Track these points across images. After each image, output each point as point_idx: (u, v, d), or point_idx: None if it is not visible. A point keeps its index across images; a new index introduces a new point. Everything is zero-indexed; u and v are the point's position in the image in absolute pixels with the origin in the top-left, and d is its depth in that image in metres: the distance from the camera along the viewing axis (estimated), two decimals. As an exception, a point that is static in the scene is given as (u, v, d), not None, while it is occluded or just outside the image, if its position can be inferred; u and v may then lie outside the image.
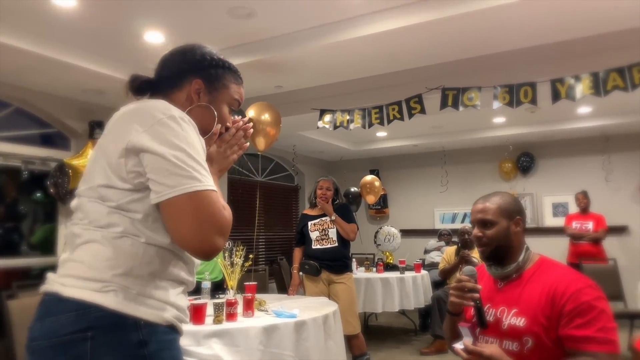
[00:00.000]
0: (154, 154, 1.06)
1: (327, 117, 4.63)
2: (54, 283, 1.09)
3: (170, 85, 1.26)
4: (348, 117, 4.53)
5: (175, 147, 1.06)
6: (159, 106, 1.12)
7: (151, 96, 1.26)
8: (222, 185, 6.58)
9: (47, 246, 4.87)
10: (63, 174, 4.53)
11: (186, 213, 1.05)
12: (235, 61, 4.58)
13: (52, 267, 1.18)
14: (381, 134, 7.17)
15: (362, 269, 5.67)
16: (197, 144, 1.12)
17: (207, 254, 1.09)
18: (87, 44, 3.88)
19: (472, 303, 1.62)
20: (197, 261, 1.23)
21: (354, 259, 5.18)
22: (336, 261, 3.86)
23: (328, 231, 3.89)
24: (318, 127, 4.70)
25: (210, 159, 1.26)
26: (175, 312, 1.14)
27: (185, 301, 1.19)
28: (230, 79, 1.32)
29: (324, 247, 3.88)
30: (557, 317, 1.48)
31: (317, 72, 4.40)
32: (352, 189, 7.08)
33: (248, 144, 1.37)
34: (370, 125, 4.44)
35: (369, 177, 6.92)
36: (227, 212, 1.12)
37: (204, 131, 1.23)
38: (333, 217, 3.88)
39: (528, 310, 1.54)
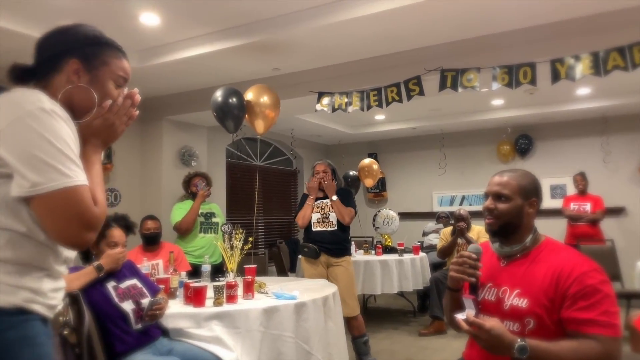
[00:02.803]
0: (19, 146, 1.04)
1: (325, 100, 4.60)
2: None
3: (49, 70, 1.23)
4: (346, 100, 4.50)
5: (43, 140, 1.05)
6: (30, 97, 1.10)
7: (35, 84, 1.23)
8: (220, 169, 6.58)
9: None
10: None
11: (54, 210, 1.05)
12: (231, 43, 4.49)
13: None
14: (379, 117, 7.14)
15: (361, 251, 5.69)
16: (67, 137, 1.09)
17: (76, 247, 1.15)
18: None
19: (472, 279, 1.61)
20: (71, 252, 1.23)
21: (353, 242, 5.20)
22: (335, 244, 3.86)
23: (329, 214, 3.89)
24: (316, 110, 4.67)
25: (96, 132, 1.25)
26: (29, 295, 1.10)
27: (47, 284, 1.15)
28: (110, 55, 1.29)
29: (324, 229, 3.88)
30: (561, 299, 1.47)
31: (314, 54, 4.35)
32: (351, 173, 7.07)
33: (137, 112, 1.34)
34: (369, 107, 4.41)
35: (367, 161, 6.91)
36: (99, 206, 1.12)
37: (87, 111, 1.23)
38: (334, 198, 3.87)
39: (531, 292, 1.53)
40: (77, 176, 1.08)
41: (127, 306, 2.35)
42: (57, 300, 1.19)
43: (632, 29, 3.45)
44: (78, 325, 2.13)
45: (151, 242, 3.77)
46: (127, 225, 2.65)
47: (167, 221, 4.46)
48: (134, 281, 2.51)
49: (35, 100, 1.09)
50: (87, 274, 2.29)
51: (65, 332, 2.22)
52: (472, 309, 1.55)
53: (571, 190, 6.62)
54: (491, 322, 1.43)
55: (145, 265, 3.35)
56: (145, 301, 2.41)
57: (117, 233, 2.52)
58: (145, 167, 5.72)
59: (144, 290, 2.50)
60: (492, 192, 1.68)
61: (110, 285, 2.38)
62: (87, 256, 2.51)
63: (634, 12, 3.46)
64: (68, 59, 1.22)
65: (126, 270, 2.54)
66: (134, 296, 2.41)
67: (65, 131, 1.09)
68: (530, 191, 1.66)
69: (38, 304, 1.12)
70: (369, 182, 6.91)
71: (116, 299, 2.34)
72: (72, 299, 2.16)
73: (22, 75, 1.23)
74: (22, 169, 1.04)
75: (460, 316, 1.50)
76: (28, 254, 1.11)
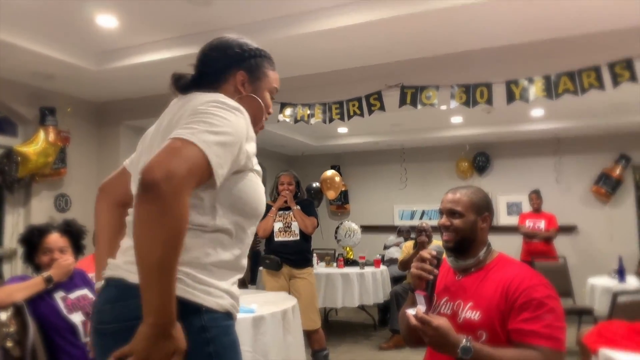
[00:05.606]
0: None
1: (288, 111, 4.59)
2: (118, 269, 1.14)
3: (215, 80, 1.31)
4: (309, 112, 4.52)
5: (214, 125, 1.08)
6: (216, 97, 1.16)
7: (201, 91, 1.27)
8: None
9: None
10: (11, 161, 4.31)
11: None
12: (192, 50, 4.44)
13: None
14: (342, 129, 7.19)
15: (323, 264, 5.68)
16: (241, 131, 1.13)
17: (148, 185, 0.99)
18: (36, 25, 3.70)
19: (430, 277, 1.61)
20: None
21: (315, 254, 5.18)
22: (297, 255, 3.84)
23: (291, 224, 3.86)
24: (278, 121, 4.66)
25: None
26: (231, 300, 1.17)
27: (238, 290, 1.23)
28: (268, 67, 1.38)
29: (286, 239, 3.85)
30: (509, 312, 1.51)
31: (277, 65, 4.26)
32: (314, 185, 7.05)
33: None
34: (331, 120, 4.44)
35: (329, 173, 6.91)
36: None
37: (254, 119, 1.26)
38: (296, 207, 3.85)
39: (483, 305, 1.57)
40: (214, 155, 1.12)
41: (77, 318, 2.24)
42: (239, 305, 1.27)
43: (582, 56, 3.63)
44: (22, 337, 2.04)
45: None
46: (68, 230, 2.44)
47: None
48: (84, 291, 2.39)
49: (222, 98, 1.17)
50: (34, 285, 2.17)
51: (9, 345, 2.11)
52: (423, 305, 1.56)
53: (527, 207, 6.81)
54: (439, 320, 1.46)
55: (97, 275, 3.21)
56: (96, 313, 2.31)
57: (51, 238, 2.34)
58: (101, 173, 5.52)
59: (95, 301, 2.40)
60: (446, 209, 1.73)
61: (59, 296, 2.27)
62: (37, 266, 2.37)
63: (583, 40, 3.65)
64: (235, 70, 1.31)
65: (77, 279, 2.42)
66: (84, 307, 2.30)
67: (243, 124, 1.16)
68: (482, 207, 1.72)
69: (235, 309, 1.21)
70: (331, 194, 6.91)
71: (64, 311, 2.23)
72: (16, 310, 2.05)
73: (187, 86, 1.30)
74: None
75: (410, 311, 1.52)
76: (231, 257, 1.18)
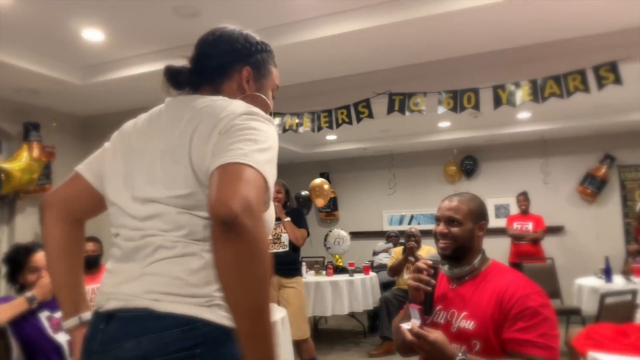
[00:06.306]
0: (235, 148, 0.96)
1: (276, 120, 4.59)
2: (135, 298, 0.98)
3: (218, 76, 1.18)
4: (297, 121, 4.52)
5: (254, 142, 0.97)
6: (247, 107, 1.04)
7: (194, 88, 1.17)
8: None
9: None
10: (-6, 178, 4.26)
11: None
12: (180, 62, 4.42)
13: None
14: (331, 137, 7.20)
15: (312, 272, 5.66)
16: (277, 143, 1.03)
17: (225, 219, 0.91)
18: (20, 40, 3.67)
19: (428, 288, 1.61)
20: None
21: (304, 263, 5.16)
22: (287, 265, 3.83)
23: (281, 235, 3.85)
24: (266, 130, 4.65)
25: None
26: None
27: None
28: (272, 63, 1.27)
29: (275, 251, 3.84)
30: (503, 321, 1.51)
31: (265, 75, 4.34)
32: (303, 193, 7.05)
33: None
34: (320, 129, 4.44)
35: (317, 181, 6.91)
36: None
37: None
38: (286, 219, 3.84)
39: (477, 314, 1.56)
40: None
41: (62, 337, 2.21)
42: None
43: (567, 59, 3.68)
44: (5, 360, 2.00)
45: (90, 266, 3.58)
46: None
47: (109, 243, 4.28)
48: (70, 310, 2.36)
49: (246, 106, 1.05)
50: (17, 305, 2.13)
51: (-9, 368, 2.07)
52: (417, 319, 1.55)
53: (515, 209, 6.86)
54: (434, 334, 1.45)
55: (84, 291, 3.17)
56: (82, 331, 2.27)
57: (38, 257, 2.28)
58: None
59: (81, 319, 2.36)
60: (445, 216, 1.71)
61: (44, 316, 2.23)
62: (22, 286, 2.33)
63: (568, 44, 3.69)
64: (241, 66, 1.19)
65: (62, 298, 2.39)
66: (69, 326, 2.27)
67: (275, 136, 1.06)
68: (479, 215, 1.71)
69: None
70: (320, 202, 6.91)
71: (50, 330, 2.20)
72: (-1, 332, 2.02)
73: (184, 81, 1.17)
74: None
75: (405, 326, 1.51)
76: None
